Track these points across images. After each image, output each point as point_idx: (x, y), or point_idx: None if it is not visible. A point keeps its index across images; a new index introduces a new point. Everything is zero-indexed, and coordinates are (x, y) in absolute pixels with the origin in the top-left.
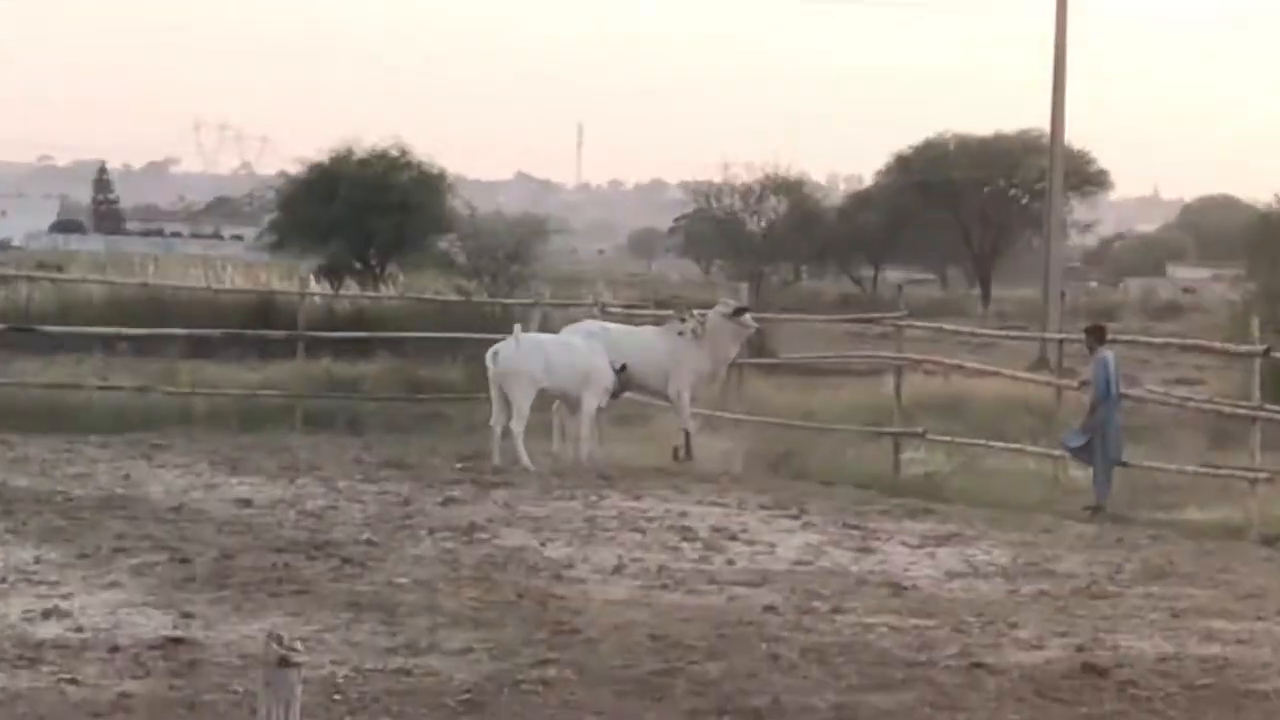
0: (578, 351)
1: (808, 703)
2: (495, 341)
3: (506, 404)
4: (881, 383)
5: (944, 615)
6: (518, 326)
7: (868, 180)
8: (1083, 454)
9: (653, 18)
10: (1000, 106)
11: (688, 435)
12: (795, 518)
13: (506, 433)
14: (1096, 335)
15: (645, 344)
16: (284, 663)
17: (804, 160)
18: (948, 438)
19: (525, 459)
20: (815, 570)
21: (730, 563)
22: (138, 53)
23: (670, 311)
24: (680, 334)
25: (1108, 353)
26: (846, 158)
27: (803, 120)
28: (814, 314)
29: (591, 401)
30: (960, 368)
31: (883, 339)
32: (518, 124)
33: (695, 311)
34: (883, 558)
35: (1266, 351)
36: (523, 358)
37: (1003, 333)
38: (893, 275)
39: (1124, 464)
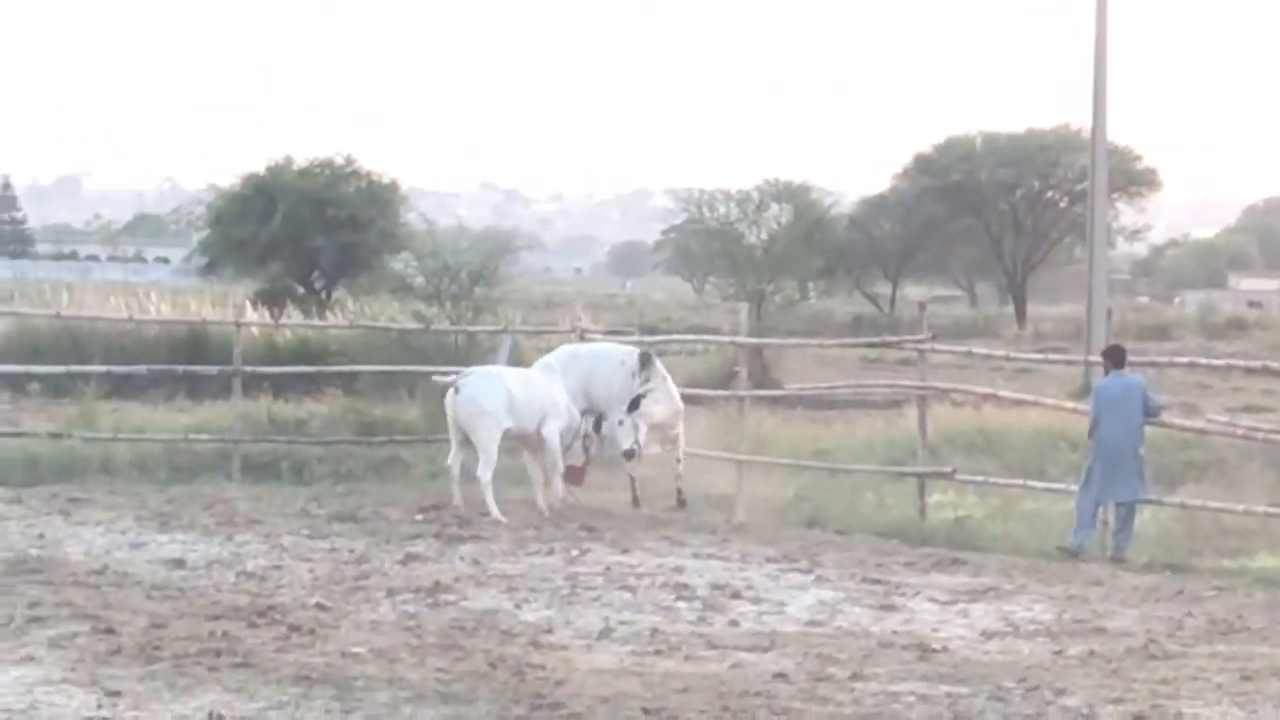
0: (537, 386)
1: None
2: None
3: (467, 444)
4: (903, 415)
5: (980, 681)
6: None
7: (883, 184)
8: (1119, 494)
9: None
10: (1033, 100)
11: (633, 480)
12: (807, 572)
13: (467, 474)
14: (1114, 358)
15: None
16: None
17: (809, 163)
18: (980, 478)
19: (495, 509)
20: (831, 632)
21: (733, 624)
22: (47, 53)
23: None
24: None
25: (1106, 380)
26: (857, 159)
27: (808, 118)
28: (824, 338)
29: (554, 436)
30: (993, 397)
31: (904, 365)
32: (480, 127)
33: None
34: (908, 616)
35: None
36: (487, 394)
37: (1041, 356)
38: (914, 292)
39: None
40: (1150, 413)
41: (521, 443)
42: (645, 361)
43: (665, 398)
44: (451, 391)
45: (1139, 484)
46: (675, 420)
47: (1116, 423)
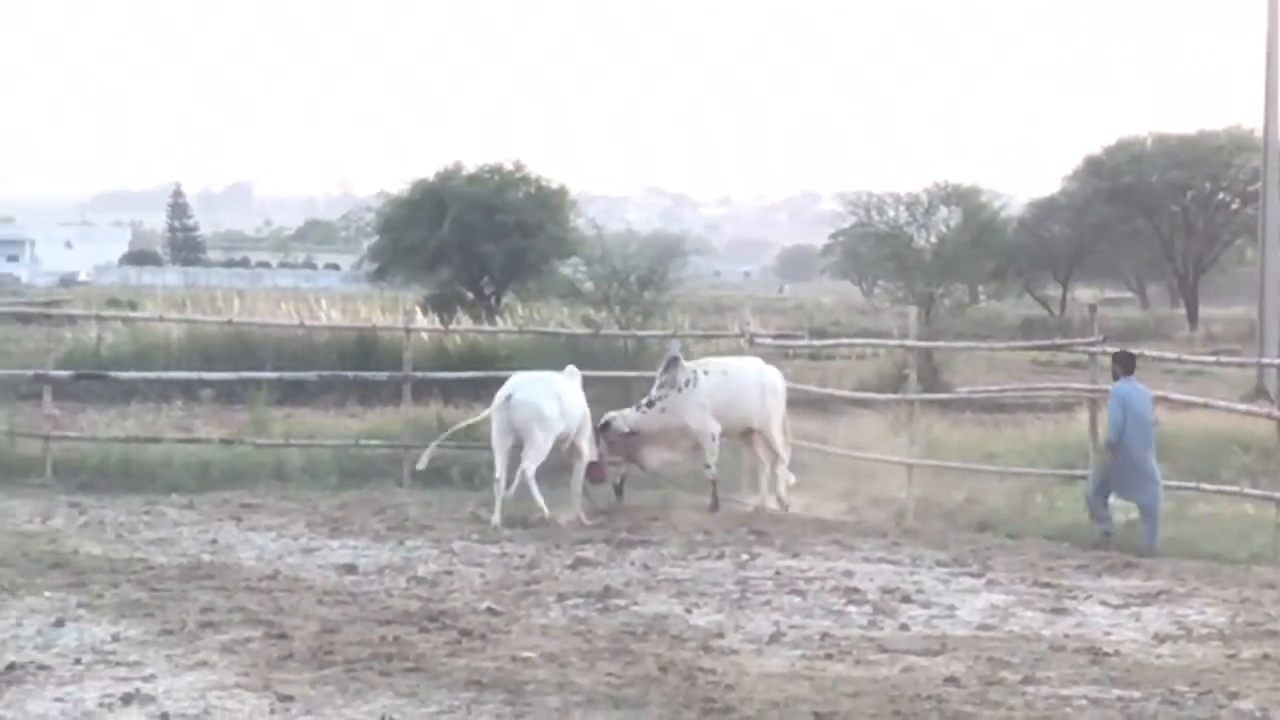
0: (575, 393)
1: None
2: (630, 379)
3: (514, 452)
4: (1074, 419)
5: (1152, 685)
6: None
7: (1053, 187)
8: (1137, 497)
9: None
10: (1204, 101)
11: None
12: (978, 575)
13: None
14: (1126, 365)
15: None
16: None
17: (978, 166)
18: None
19: (542, 501)
20: (1002, 635)
21: (904, 628)
22: (217, 62)
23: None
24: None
25: (1126, 386)
26: (1026, 162)
27: (977, 122)
28: (994, 341)
29: (585, 444)
30: (1165, 399)
31: (1074, 368)
32: (648, 132)
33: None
34: (1080, 620)
35: None
36: (544, 398)
37: (1213, 358)
38: (1084, 294)
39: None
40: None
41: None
42: (668, 365)
43: (674, 408)
44: (504, 396)
45: (1157, 486)
46: (688, 431)
47: (1138, 430)
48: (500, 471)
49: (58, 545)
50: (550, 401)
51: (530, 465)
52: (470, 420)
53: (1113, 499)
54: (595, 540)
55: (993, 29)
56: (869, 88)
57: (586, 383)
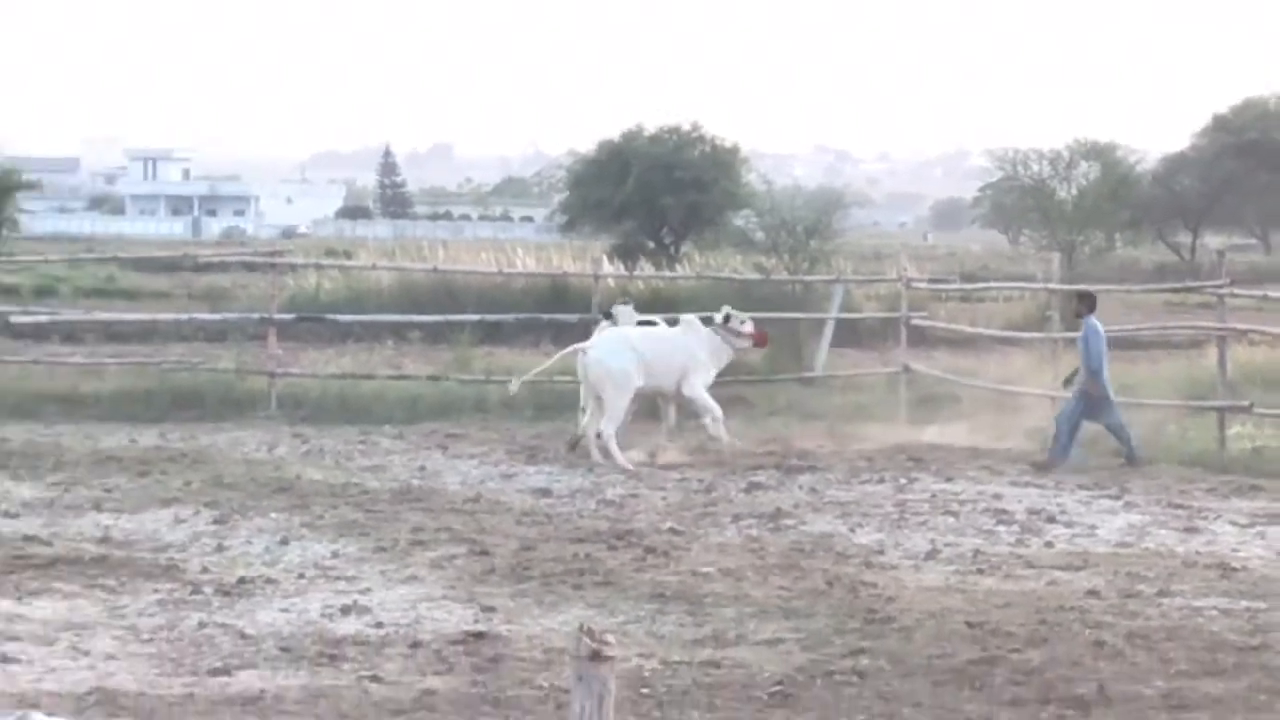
0: (672, 343)
1: (1135, 690)
2: (797, 321)
3: (599, 404)
4: (1204, 355)
5: (1277, 597)
6: (604, 321)
7: (1183, 143)
8: (1107, 419)
9: None
10: None
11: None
12: (1116, 498)
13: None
14: (1088, 303)
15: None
16: (596, 657)
17: (1115, 123)
18: (1277, 411)
19: (621, 458)
20: (1139, 552)
21: (1049, 546)
22: (417, 34)
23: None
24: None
25: (1095, 321)
26: (1159, 119)
27: (1114, 81)
28: (1130, 284)
29: (695, 390)
30: None
31: (1203, 309)
32: (813, 93)
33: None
34: (1210, 538)
35: None
36: (614, 356)
37: None
38: (1212, 241)
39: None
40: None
41: (659, 398)
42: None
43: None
44: (580, 354)
45: (1117, 409)
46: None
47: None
48: (587, 422)
49: (282, 472)
50: (621, 361)
51: (605, 427)
52: (552, 360)
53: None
54: (766, 466)
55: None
56: (1016, 50)
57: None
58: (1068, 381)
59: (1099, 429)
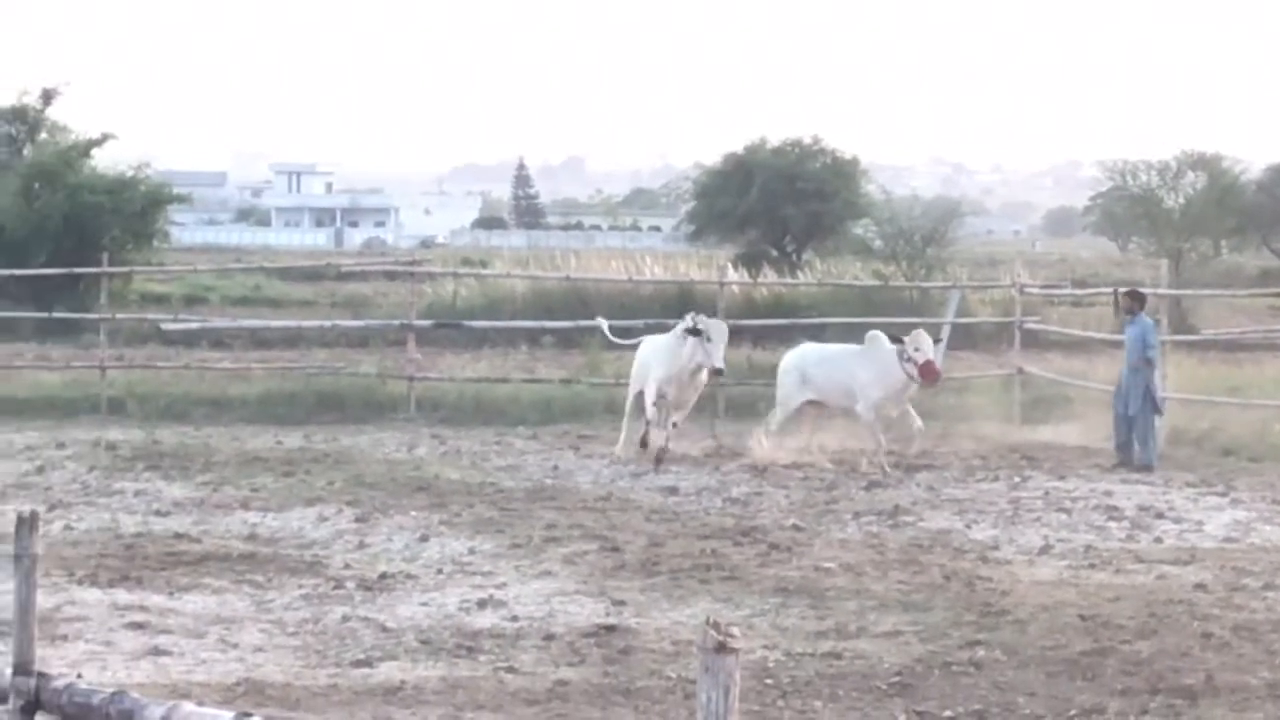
0: (836, 363)
1: (1242, 681)
2: (916, 325)
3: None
4: None
5: None
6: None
7: None
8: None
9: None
10: None
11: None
12: (1223, 495)
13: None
14: (1140, 300)
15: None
16: (722, 648)
17: (1221, 134)
18: None
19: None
20: (1245, 547)
21: (1158, 541)
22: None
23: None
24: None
25: (1147, 319)
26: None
27: (1221, 93)
28: (1236, 289)
29: (867, 410)
30: None
31: None
32: (930, 106)
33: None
34: None
35: None
36: (785, 367)
37: None
38: None
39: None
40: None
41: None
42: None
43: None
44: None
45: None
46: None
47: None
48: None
49: (421, 471)
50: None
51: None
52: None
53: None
54: (886, 465)
55: (1225, 9)
56: (1126, 63)
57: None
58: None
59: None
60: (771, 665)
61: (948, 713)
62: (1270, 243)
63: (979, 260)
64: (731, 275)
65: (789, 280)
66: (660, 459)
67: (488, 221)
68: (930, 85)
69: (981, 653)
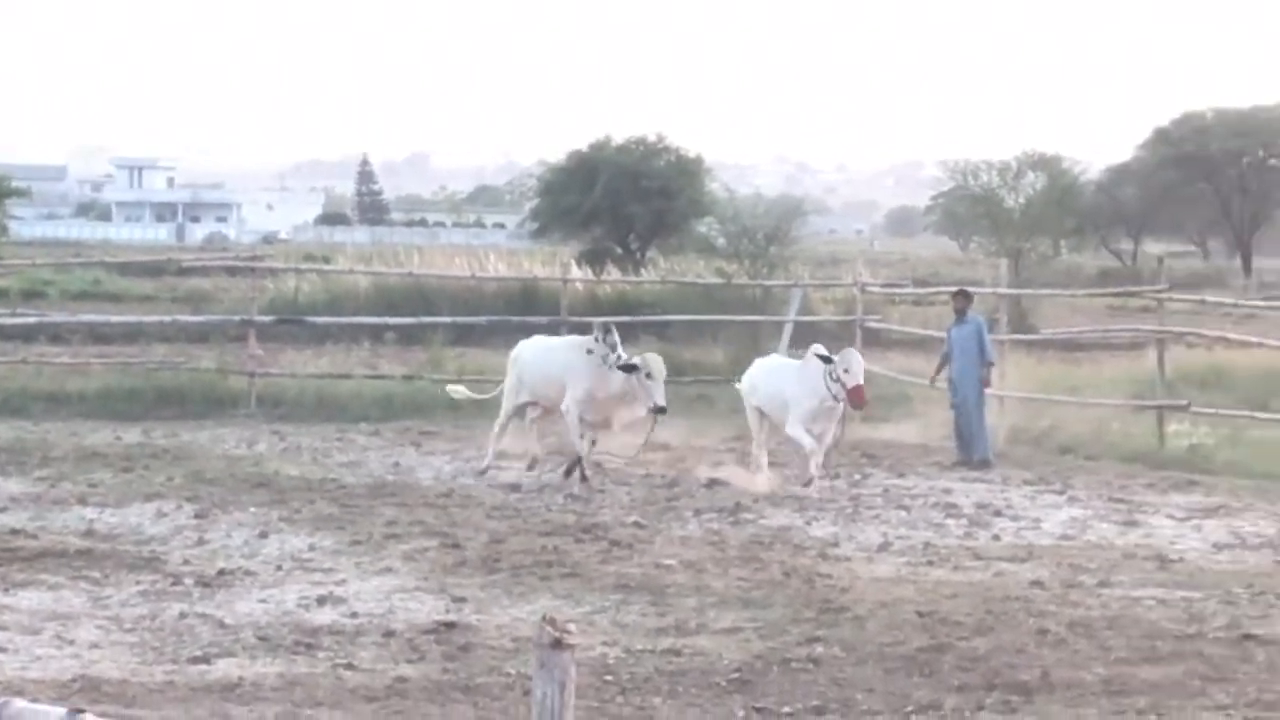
0: (780, 375)
1: (1076, 677)
2: (758, 324)
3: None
4: (1143, 356)
5: (1211, 587)
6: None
7: (1126, 155)
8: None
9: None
10: (1260, 79)
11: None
12: (1060, 492)
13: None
14: (969, 299)
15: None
16: (558, 645)
17: (1060, 135)
18: (1212, 410)
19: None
20: (1081, 545)
21: (996, 538)
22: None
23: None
24: (589, 351)
25: (978, 318)
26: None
27: (1060, 96)
28: (1074, 289)
29: (794, 425)
30: (1223, 339)
31: (1144, 312)
32: (774, 106)
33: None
34: (1148, 531)
35: None
36: (745, 378)
37: (1265, 303)
38: (1152, 248)
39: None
40: (986, 358)
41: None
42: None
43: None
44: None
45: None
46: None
47: (965, 362)
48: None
49: (261, 467)
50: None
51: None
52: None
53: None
54: (727, 463)
55: (1066, 14)
56: (966, 64)
57: (718, 327)
58: (933, 382)
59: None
60: (611, 662)
61: (786, 709)
62: (1109, 243)
63: (821, 259)
64: (575, 273)
65: (633, 278)
66: (575, 469)
67: (331, 218)
68: (774, 84)
69: (820, 649)
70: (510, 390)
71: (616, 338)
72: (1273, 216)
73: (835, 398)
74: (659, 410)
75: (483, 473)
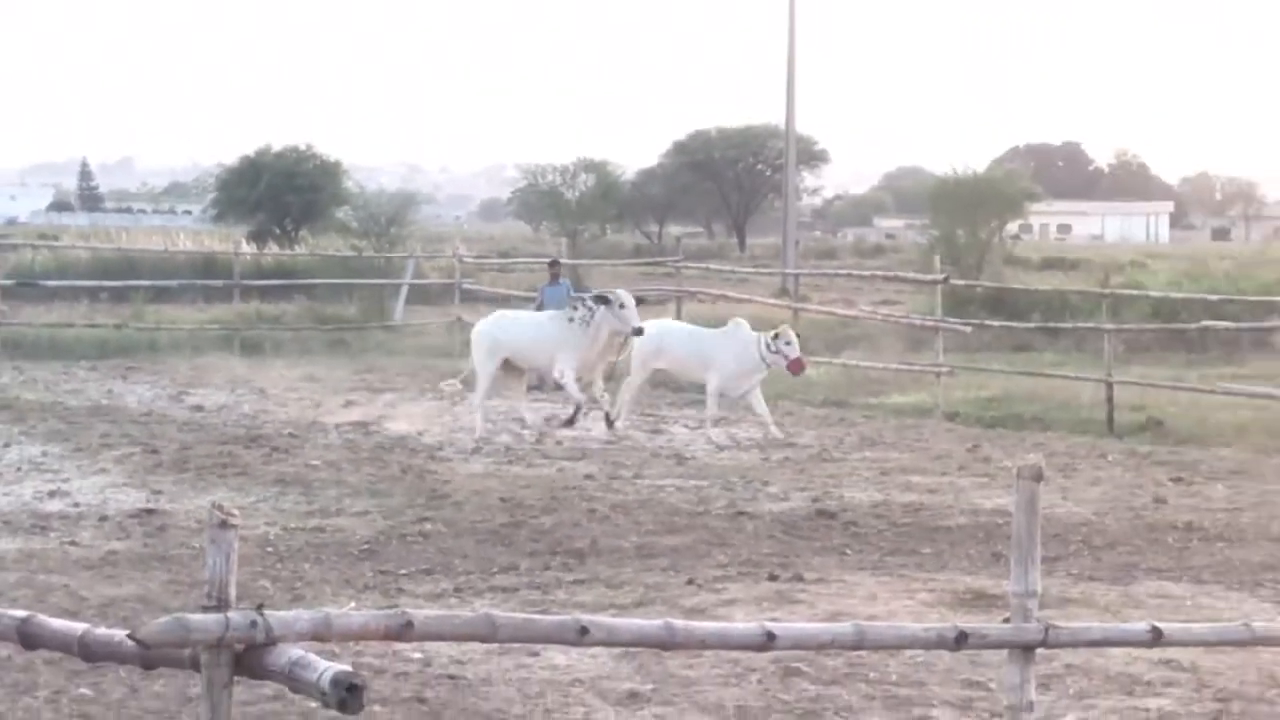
0: (698, 340)
1: (617, 544)
2: (382, 286)
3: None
4: (665, 310)
5: (715, 477)
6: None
7: (653, 160)
8: None
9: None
10: (750, 100)
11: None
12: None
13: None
14: (559, 267)
15: (537, 327)
16: (224, 525)
17: (606, 143)
18: None
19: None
20: (621, 447)
21: (558, 444)
22: (110, 63)
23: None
24: (570, 320)
25: (565, 281)
26: (637, 141)
27: (606, 115)
28: (615, 260)
29: (716, 382)
30: (725, 297)
31: (667, 277)
32: (395, 118)
33: (587, 301)
34: (670, 437)
35: (945, 279)
36: (480, 331)
37: (753, 270)
38: (673, 230)
39: None
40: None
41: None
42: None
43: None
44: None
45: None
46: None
47: None
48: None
49: (4, 394)
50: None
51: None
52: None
53: None
54: (360, 388)
55: (611, 47)
56: (533, 82)
57: (352, 288)
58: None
59: None
60: (271, 538)
61: (404, 571)
62: (641, 226)
63: (430, 237)
64: (245, 248)
65: (289, 251)
66: (576, 416)
67: (59, 206)
68: (395, 97)
69: (429, 526)
70: (483, 362)
71: (590, 304)
72: (760, 207)
73: (767, 365)
74: (636, 332)
75: (477, 449)
